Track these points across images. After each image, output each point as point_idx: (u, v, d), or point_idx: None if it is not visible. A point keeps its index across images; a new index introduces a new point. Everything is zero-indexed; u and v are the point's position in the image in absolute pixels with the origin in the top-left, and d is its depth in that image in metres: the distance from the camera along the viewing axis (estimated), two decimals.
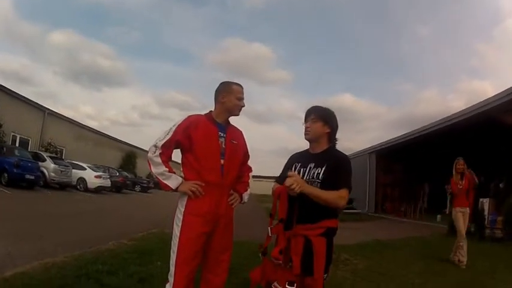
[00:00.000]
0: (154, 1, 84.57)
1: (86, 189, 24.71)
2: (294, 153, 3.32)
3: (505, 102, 13.82)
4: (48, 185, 21.80)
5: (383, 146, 25.02)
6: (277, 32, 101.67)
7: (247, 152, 3.66)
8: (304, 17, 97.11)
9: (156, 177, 3.22)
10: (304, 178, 2.90)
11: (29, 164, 20.02)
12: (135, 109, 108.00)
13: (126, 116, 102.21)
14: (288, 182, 2.64)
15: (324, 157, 2.99)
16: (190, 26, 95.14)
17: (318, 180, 2.87)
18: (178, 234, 3.12)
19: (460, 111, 17.61)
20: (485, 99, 15.48)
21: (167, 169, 3.19)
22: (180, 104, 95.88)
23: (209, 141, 3.23)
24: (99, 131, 44.78)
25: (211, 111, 3.43)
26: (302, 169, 3.00)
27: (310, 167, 2.97)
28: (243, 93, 3.41)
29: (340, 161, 2.97)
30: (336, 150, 3.15)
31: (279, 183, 3.01)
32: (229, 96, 3.35)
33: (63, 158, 28.79)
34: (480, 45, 75.29)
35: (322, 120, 3.07)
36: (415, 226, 17.41)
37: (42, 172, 21.42)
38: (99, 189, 25.64)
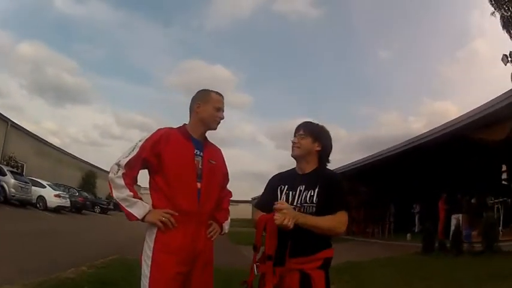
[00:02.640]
0: (121, 20, 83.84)
1: (46, 208, 23.68)
2: (276, 174, 2.92)
3: (471, 122, 14.01)
4: (8, 201, 20.75)
5: (346, 169, 25.03)
6: (239, 55, 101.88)
7: (227, 173, 3.12)
8: (265, 41, 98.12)
9: (118, 203, 2.67)
10: (295, 203, 2.56)
11: None
12: (96, 128, 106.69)
13: (86, 134, 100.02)
14: (278, 218, 2.26)
15: (314, 177, 2.64)
16: (154, 46, 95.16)
17: (312, 205, 2.53)
18: (148, 275, 2.57)
19: (425, 132, 17.90)
20: (451, 120, 15.79)
21: (131, 194, 2.64)
22: (140, 125, 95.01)
23: (183, 161, 2.71)
24: (60, 149, 43.80)
25: (185, 124, 2.93)
26: (291, 192, 2.64)
27: (300, 190, 2.61)
28: (223, 104, 2.92)
29: (333, 180, 2.65)
30: (327, 169, 2.82)
31: (261, 209, 2.65)
32: (205, 106, 2.85)
33: (23, 173, 27.59)
34: (443, 67, 77.09)
35: (312, 137, 2.72)
36: (385, 246, 17.25)
37: (2, 187, 20.47)
38: (58, 209, 24.65)
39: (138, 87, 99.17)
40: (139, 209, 2.63)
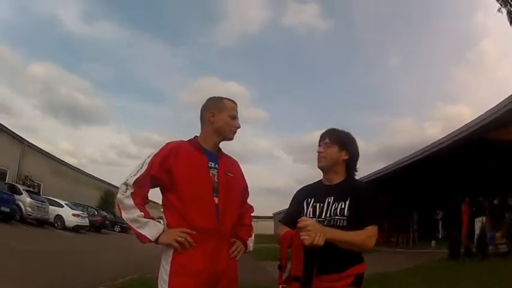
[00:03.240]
0: (130, 39, 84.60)
1: (64, 228, 23.54)
2: (302, 186, 2.70)
3: (487, 123, 13.97)
4: (24, 220, 20.66)
5: (366, 179, 24.75)
6: (251, 70, 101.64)
7: (247, 187, 2.85)
8: (276, 55, 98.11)
9: (129, 225, 2.43)
10: (323, 216, 2.36)
11: (4, 196, 18.74)
12: (113, 148, 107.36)
13: (103, 154, 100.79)
14: (306, 238, 2.04)
15: (345, 188, 2.42)
16: (165, 64, 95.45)
17: (342, 218, 2.31)
18: None
19: (442, 138, 17.95)
20: (467, 123, 15.83)
21: (142, 214, 2.39)
22: (156, 144, 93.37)
23: (197, 174, 2.47)
24: (77, 168, 43.86)
25: (196, 136, 2.68)
26: (318, 205, 2.43)
27: (328, 202, 2.40)
28: (237, 111, 2.69)
29: (367, 192, 2.43)
30: (358, 180, 2.60)
31: (287, 224, 2.44)
32: (220, 115, 2.61)
33: (40, 193, 27.70)
34: (454, 70, 76.62)
35: (338, 145, 2.50)
36: (410, 255, 16.91)
37: (18, 206, 20.30)
38: (77, 228, 24.52)
39: (153, 106, 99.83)
40: (151, 229, 2.38)
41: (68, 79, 76.26)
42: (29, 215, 21.05)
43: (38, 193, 26.06)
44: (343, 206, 2.32)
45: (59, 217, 24.03)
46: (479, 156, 16.20)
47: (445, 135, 17.91)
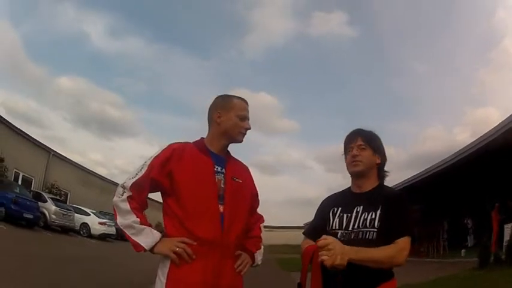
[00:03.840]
0: (158, 54, 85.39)
1: (90, 235, 23.74)
2: (329, 195, 2.47)
3: None
4: (49, 227, 20.86)
5: (397, 187, 24.40)
6: (280, 82, 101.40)
7: (257, 194, 2.61)
8: (304, 65, 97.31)
9: (123, 232, 2.20)
10: (350, 227, 2.13)
11: (28, 203, 18.95)
12: (143, 158, 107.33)
13: (134, 165, 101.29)
14: (326, 259, 1.84)
15: (376, 197, 2.18)
16: (194, 78, 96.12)
17: (373, 230, 2.08)
18: None
19: (470, 144, 17.64)
20: (495, 127, 15.52)
21: (138, 219, 2.17)
22: None
23: (200, 179, 2.25)
24: (106, 178, 43.84)
25: (202, 138, 2.46)
26: (345, 215, 2.20)
27: (357, 212, 2.17)
28: (247, 111, 2.44)
29: (399, 202, 2.18)
30: (390, 187, 2.36)
31: (311, 237, 2.22)
32: (228, 114, 2.37)
33: (67, 201, 28.16)
34: (479, 72, 75.14)
35: (372, 148, 2.28)
36: (441, 265, 16.40)
37: (43, 213, 20.48)
38: (103, 236, 24.70)
39: (181, 118, 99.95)
40: (146, 237, 2.17)
41: (97, 92, 78.82)
42: (53, 222, 21.21)
43: (64, 201, 26.41)
44: (373, 217, 2.10)
45: (84, 225, 24.29)
46: (508, 160, 15.77)
47: (472, 141, 17.59)
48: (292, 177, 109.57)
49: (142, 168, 2.26)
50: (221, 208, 2.23)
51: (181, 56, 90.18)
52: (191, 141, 2.44)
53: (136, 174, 2.24)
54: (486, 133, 16.07)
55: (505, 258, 11.39)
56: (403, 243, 2.02)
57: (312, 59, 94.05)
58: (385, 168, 2.35)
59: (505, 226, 14.60)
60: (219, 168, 2.32)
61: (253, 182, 2.58)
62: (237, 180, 2.36)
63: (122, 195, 2.20)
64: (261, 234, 2.60)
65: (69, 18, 66.63)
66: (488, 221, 16.88)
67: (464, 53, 76.83)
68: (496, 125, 15.51)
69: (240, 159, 2.55)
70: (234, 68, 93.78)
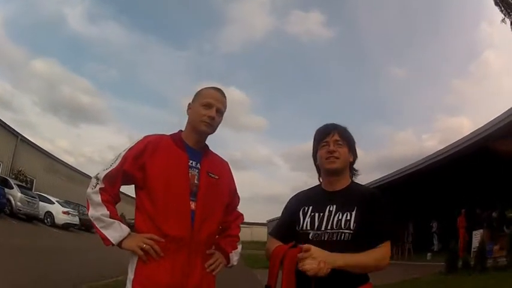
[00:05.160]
0: (134, 42, 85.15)
1: (53, 225, 23.19)
2: (299, 192, 2.33)
3: (489, 135, 13.93)
4: (14, 214, 20.33)
5: None
6: (253, 77, 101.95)
7: (236, 191, 2.52)
8: (279, 63, 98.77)
9: (92, 224, 2.13)
10: (323, 228, 2.00)
11: None
12: (111, 149, 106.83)
13: (101, 154, 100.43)
14: (310, 268, 1.75)
15: (350, 196, 2.07)
16: (168, 69, 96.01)
17: (348, 231, 1.96)
18: None
19: (441, 149, 18.02)
20: (468, 134, 15.84)
21: (108, 212, 2.10)
22: None
23: (173, 174, 2.15)
24: (73, 167, 43.38)
25: (181, 130, 2.37)
26: (317, 214, 2.07)
27: (330, 211, 2.04)
28: (216, 99, 2.27)
29: (376, 202, 2.06)
30: (362, 185, 2.24)
31: (278, 237, 2.11)
32: (194, 104, 2.30)
33: (32, 189, 27.51)
34: (456, 82, 76.87)
35: (347, 145, 2.16)
36: (406, 267, 16.35)
37: (9, 200, 20.03)
38: (66, 226, 24.14)
39: (153, 109, 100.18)
40: (115, 231, 2.10)
41: (70, 78, 77.99)
42: (19, 210, 20.77)
43: (29, 188, 25.83)
44: (348, 218, 1.99)
45: (49, 214, 23.74)
46: (477, 169, 16.13)
47: (443, 147, 17.94)
48: (258, 174, 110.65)
49: (116, 159, 2.17)
50: (193, 205, 2.14)
51: (156, 46, 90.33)
52: (168, 134, 2.34)
53: (110, 165, 2.16)
54: (457, 141, 16.44)
55: (474, 265, 11.54)
56: (386, 247, 1.96)
57: (286, 57, 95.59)
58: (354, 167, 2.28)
59: (474, 233, 14.91)
60: (193, 163, 2.22)
61: (232, 178, 2.48)
62: (212, 176, 2.26)
63: (95, 187, 2.13)
64: (239, 234, 2.51)
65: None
66: (453, 227, 17.23)
67: (443, 62, 78.89)
68: (468, 133, 15.89)
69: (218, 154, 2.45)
70: (208, 60, 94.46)
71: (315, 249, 1.80)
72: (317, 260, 1.75)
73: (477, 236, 14.39)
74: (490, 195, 16.62)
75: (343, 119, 2.26)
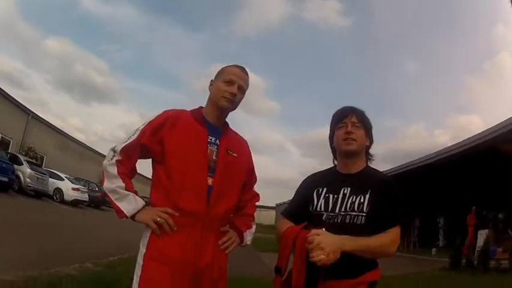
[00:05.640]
0: (149, 22, 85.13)
1: (62, 201, 23.18)
2: (311, 174, 2.32)
3: (500, 135, 13.84)
4: (23, 190, 20.42)
5: None
6: (267, 61, 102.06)
7: (254, 170, 2.49)
8: (294, 49, 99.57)
9: (107, 196, 2.12)
10: (337, 210, 1.99)
11: (3, 165, 18.44)
12: (122, 127, 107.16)
13: (112, 133, 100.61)
14: (317, 257, 1.74)
15: (365, 179, 2.06)
16: (182, 50, 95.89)
17: (361, 214, 1.95)
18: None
19: (452, 145, 17.91)
20: (480, 132, 15.70)
21: (123, 185, 2.09)
22: None
23: (191, 149, 2.15)
24: (83, 143, 43.55)
25: (201, 107, 2.36)
26: (331, 196, 2.05)
27: (344, 194, 2.03)
28: (239, 77, 2.27)
29: (389, 187, 2.06)
30: (377, 170, 2.21)
31: (290, 218, 2.09)
32: (216, 81, 2.29)
33: (42, 165, 27.57)
34: (470, 80, 76.18)
35: (365, 128, 2.14)
36: (410, 261, 16.33)
37: (18, 176, 20.06)
38: (75, 203, 24.16)
39: (166, 90, 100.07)
40: (129, 203, 2.09)
41: (83, 57, 77.76)
42: (28, 186, 20.79)
43: (39, 165, 25.86)
44: (362, 200, 1.98)
45: (58, 190, 23.70)
46: (487, 168, 16.00)
47: (454, 143, 17.78)
48: (269, 158, 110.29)
49: (134, 133, 2.18)
50: (210, 181, 2.12)
51: (171, 27, 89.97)
52: (188, 110, 2.33)
53: (128, 138, 2.17)
54: (468, 138, 16.35)
55: (477, 264, 11.52)
56: (395, 233, 1.96)
57: (302, 44, 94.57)
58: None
59: (479, 232, 14.90)
60: (213, 139, 2.22)
61: (250, 157, 2.47)
62: (231, 153, 2.26)
63: (112, 160, 2.13)
64: (254, 213, 2.50)
65: None
66: (460, 223, 17.13)
67: (458, 59, 77.86)
68: (479, 132, 15.79)
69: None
70: (222, 43, 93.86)
71: (323, 237, 1.77)
72: (325, 250, 1.73)
73: (482, 235, 14.40)
74: (498, 196, 16.54)
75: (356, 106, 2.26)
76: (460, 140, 17.16)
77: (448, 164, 17.36)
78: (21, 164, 20.97)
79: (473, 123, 68.33)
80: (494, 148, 13.91)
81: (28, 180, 20.70)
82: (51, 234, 10.55)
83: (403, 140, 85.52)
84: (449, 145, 18.42)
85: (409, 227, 22.31)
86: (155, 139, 2.15)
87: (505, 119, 13.71)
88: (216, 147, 2.21)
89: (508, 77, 72.01)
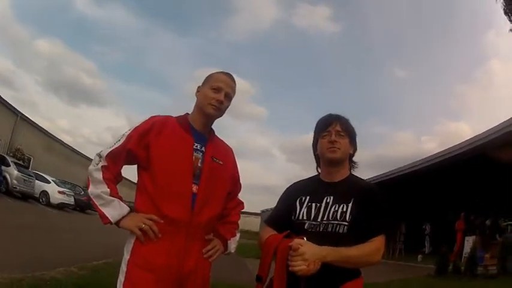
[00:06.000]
0: (140, 26, 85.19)
1: (48, 204, 23.02)
2: (295, 182, 2.32)
3: (488, 141, 13.80)
4: (10, 192, 20.24)
5: None
6: (256, 67, 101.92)
7: (238, 178, 2.50)
8: (283, 54, 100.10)
9: (92, 201, 2.11)
10: (319, 219, 1.98)
11: None
12: (109, 130, 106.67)
13: (99, 135, 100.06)
14: (298, 267, 1.75)
15: (348, 188, 2.06)
16: (172, 54, 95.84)
17: (344, 223, 1.95)
18: None
19: (439, 152, 17.82)
20: (466, 140, 15.71)
21: (108, 190, 2.08)
22: None
23: (177, 155, 2.15)
24: (70, 146, 43.25)
25: (187, 113, 2.36)
26: (314, 204, 2.06)
27: (327, 202, 2.03)
28: (226, 84, 2.27)
29: (372, 195, 2.06)
30: (361, 179, 2.21)
31: (273, 226, 2.09)
32: (203, 88, 2.29)
33: (29, 167, 27.39)
34: (460, 87, 76.90)
35: (349, 136, 2.15)
36: (396, 267, 16.38)
37: (5, 178, 19.92)
38: (61, 206, 23.98)
39: (155, 93, 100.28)
40: (114, 209, 2.08)
41: (73, 58, 77.72)
42: (15, 187, 20.66)
43: (26, 167, 25.69)
44: (344, 209, 1.98)
45: (44, 193, 23.55)
46: (473, 175, 16.10)
47: (442, 150, 17.78)
48: (254, 163, 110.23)
49: (120, 138, 2.17)
50: (195, 188, 2.12)
51: (162, 31, 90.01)
52: (174, 116, 2.32)
53: (114, 143, 2.16)
54: (456, 145, 16.34)
55: (464, 270, 11.57)
56: (379, 241, 1.94)
57: (291, 49, 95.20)
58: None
59: (466, 239, 14.97)
60: (198, 146, 2.22)
61: (235, 165, 2.47)
62: (216, 161, 2.26)
63: (97, 165, 2.12)
64: (239, 221, 2.50)
65: None
66: (447, 229, 17.23)
67: (449, 66, 78.65)
68: (467, 139, 15.81)
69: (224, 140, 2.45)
70: (212, 48, 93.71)
71: (305, 248, 1.78)
72: (307, 261, 1.74)
73: (469, 241, 14.44)
74: (485, 202, 16.68)
75: (342, 113, 2.27)
76: (448, 147, 17.20)
77: (434, 171, 17.39)
78: (8, 165, 20.84)
79: (462, 130, 68.96)
80: (480, 155, 13.94)
81: (15, 182, 20.57)
82: (37, 237, 10.43)
83: (392, 146, 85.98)
84: (436, 151, 18.47)
85: (394, 234, 22.43)
86: (141, 144, 2.15)
87: (493, 126, 13.79)
88: (201, 154, 2.21)
89: (497, 84, 72.81)
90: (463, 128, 74.31)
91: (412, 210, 20.98)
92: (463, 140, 16.07)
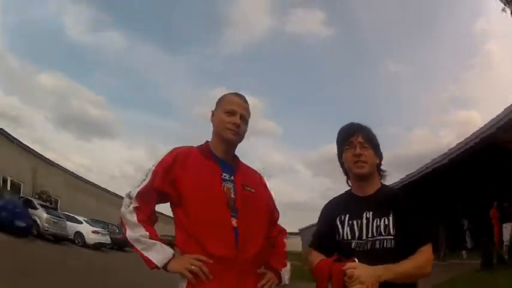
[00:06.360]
0: (137, 49, 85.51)
1: (84, 245, 22.92)
2: (331, 199, 2.27)
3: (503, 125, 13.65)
4: (42, 235, 20.00)
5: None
6: (258, 81, 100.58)
7: (275, 205, 2.39)
8: (282, 64, 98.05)
9: (132, 246, 2.03)
10: (364, 236, 1.94)
11: (17, 210, 18.32)
12: (129, 163, 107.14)
13: (121, 169, 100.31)
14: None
15: (382, 200, 2.02)
16: (175, 77, 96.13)
17: (389, 237, 1.91)
18: None
19: (457, 145, 17.58)
20: (481, 127, 15.45)
21: (147, 233, 2.00)
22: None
23: (207, 188, 2.04)
24: (98, 185, 43.47)
25: (207, 141, 2.26)
26: (355, 222, 2.01)
27: (367, 218, 1.99)
28: (239, 105, 2.19)
29: (411, 205, 2.02)
30: (392, 188, 2.22)
31: (319, 250, 2.06)
32: (217, 112, 2.22)
33: (57, 209, 27.59)
34: (461, 76, 77.93)
35: (373, 148, 2.09)
36: (442, 267, 15.41)
37: (35, 221, 19.77)
38: (98, 246, 23.85)
39: (164, 120, 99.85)
40: (158, 253, 1.99)
41: (77, 90, 77.90)
42: (46, 230, 20.43)
43: (55, 208, 25.90)
44: (386, 223, 1.94)
45: (79, 234, 23.52)
46: (499, 161, 15.68)
47: (459, 142, 17.53)
48: (280, 181, 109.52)
49: (146, 175, 2.09)
50: (234, 221, 2.01)
51: (158, 53, 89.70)
52: (195, 146, 2.24)
53: (142, 182, 2.08)
54: (474, 132, 16.03)
55: (508, 259, 11.32)
56: (428, 251, 1.92)
57: (289, 58, 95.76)
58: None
59: (504, 226, 14.70)
60: (227, 176, 2.11)
61: (267, 190, 2.37)
62: (248, 189, 2.15)
63: (129, 207, 2.04)
64: (286, 250, 2.39)
65: (51, 10, 67.97)
66: (485, 221, 16.87)
67: (448, 56, 78.59)
68: (483, 125, 15.54)
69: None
70: (212, 65, 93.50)
71: (359, 271, 1.75)
72: (364, 284, 1.72)
73: (507, 229, 14.24)
74: None
75: (353, 118, 2.22)
76: (464, 138, 16.90)
77: (457, 164, 17.11)
78: (36, 208, 20.77)
79: (473, 118, 67.67)
80: (497, 140, 13.86)
81: (46, 224, 20.39)
82: (78, 281, 10.47)
83: (410, 145, 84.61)
84: (454, 145, 18.09)
85: (436, 237, 22.05)
86: (167, 180, 2.06)
87: (502, 111, 13.70)
88: (232, 184, 2.11)
89: (497, 66, 72.04)
90: (474, 116, 72.96)
91: (446, 209, 20.62)
92: (477, 129, 15.83)
